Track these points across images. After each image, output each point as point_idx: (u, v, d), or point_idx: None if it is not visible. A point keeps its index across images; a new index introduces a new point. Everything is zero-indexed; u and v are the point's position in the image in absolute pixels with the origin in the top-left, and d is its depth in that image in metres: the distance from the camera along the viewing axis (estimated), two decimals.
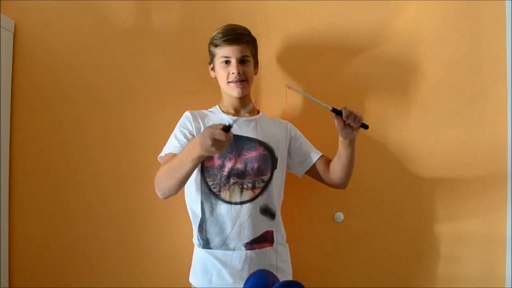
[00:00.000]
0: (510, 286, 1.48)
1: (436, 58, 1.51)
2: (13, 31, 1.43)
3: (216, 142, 0.93)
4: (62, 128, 1.45)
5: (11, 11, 1.43)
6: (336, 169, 1.25)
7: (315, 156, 1.31)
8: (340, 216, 1.49)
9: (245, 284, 1.06)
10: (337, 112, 1.08)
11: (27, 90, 1.45)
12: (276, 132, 1.29)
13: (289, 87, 1.08)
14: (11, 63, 1.43)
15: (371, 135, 1.49)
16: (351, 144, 1.17)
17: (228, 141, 0.94)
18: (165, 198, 1.16)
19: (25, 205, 1.44)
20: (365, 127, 1.13)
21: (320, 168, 1.30)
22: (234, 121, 0.95)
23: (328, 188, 1.40)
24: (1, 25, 1.36)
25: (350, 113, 1.08)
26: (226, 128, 0.93)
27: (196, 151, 0.99)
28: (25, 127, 1.44)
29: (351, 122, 1.08)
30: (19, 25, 1.44)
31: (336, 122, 1.11)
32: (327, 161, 1.30)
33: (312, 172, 1.32)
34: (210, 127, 0.95)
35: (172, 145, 1.21)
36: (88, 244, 1.45)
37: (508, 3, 1.51)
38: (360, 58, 1.51)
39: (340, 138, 1.16)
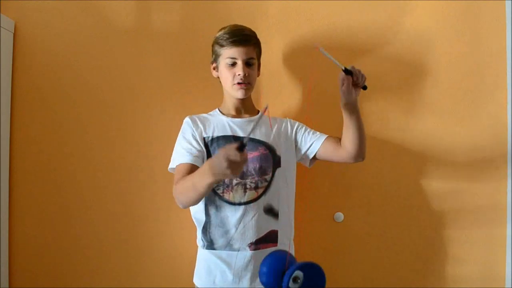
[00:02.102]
0: (510, 286, 1.48)
1: (436, 58, 1.51)
2: (13, 31, 1.43)
3: (231, 164, 0.88)
4: (62, 128, 1.45)
5: (11, 11, 1.43)
6: (348, 141, 1.21)
7: (321, 138, 1.28)
8: (340, 216, 1.49)
9: (261, 264, 1.03)
10: (348, 72, 1.10)
11: (27, 90, 1.45)
12: (278, 131, 1.29)
13: (317, 48, 1.08)
14: (11, 63, 1.43)
15: (371, 135, 1.49)
16: (355, 110, 1.16)
17: (244, 163, 0.90)
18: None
19: (25, 205, 1.44)
20: (365, 87, 1.15)
21: (331, 146, 1.26)
22: (246, 140, 0.90)
23: (328, 188, 1.41)
24: (1, 25, 1.36)
25: (359, 72, 1.11)
26: (240, 148, 0.89)
27: (209, 175, 0.96)
28: (25, 127, 1.44)
29: (359, 79, 1.10)
30: (19, 25, 1.44)
31: (342, 84, 1.11)
32: (336, 140, 1.26)
33: (324, 152, 1.27)
34: (223, 149, 0.91)
35: (180, 155, 1.21)
36: (88, 244, 1.45)
37: (508, 3, 1.51)
38: (360, 58, 1.51)
39: (344, 106, 1.15)
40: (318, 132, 1.31)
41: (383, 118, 1.51)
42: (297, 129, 1.32)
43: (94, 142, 1.46)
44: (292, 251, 1.29)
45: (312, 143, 1.28)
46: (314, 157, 1.30)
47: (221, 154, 0.90)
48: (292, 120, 1.34)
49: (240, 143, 0.89)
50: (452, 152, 1.51)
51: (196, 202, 1.14)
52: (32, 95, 1.45)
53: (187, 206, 1.18)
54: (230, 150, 0.88)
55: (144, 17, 1.48)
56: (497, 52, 1.52)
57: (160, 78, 1.47)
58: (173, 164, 1.24)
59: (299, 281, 0.96)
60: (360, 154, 1.23)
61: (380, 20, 1.51)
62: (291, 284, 0.95)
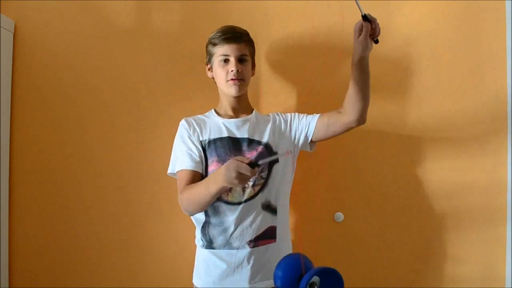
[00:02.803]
0: (510, 286, 1.48)
1: (436, 58, 1.51)
2: (13, 31, 1.43)
3: (240, 175, 0.96)
4: (62, 128, 1.45)
5: (11, 11, 1.43)
6: (353, 103, 1.18)
7: (316, 115, 1.27)
8: (340, 216, 1.49)
9: (276, 268, 0.99)
10: (367, 19, 1.08)
11: (27, 90, 1.45)
12: (272, 127, 1.28)
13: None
14: (11, 63, 1.43)
15: (372, 134, 1.49)
16: (367, 64, 1.15)
17: (252, 177, 0.97)
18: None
19: (25, 205, 1.44)
20: (377, 41, 1.13)
21: (330, 117, 1.24)
22: (262, 162, 0.97)
23: (328, 188, 1.40)
24: (1, 25, 1.36)
25: (376, 20, 1.09)
26: (252, 164, 0.95)
27: (218, 182, 1.04)
28: (25, 127, 1.45)
29: (377, 29, 1.09)
30: (19, 25, 1.44)
31: (359, 34, 1.09)
32: (333, 111, 1.25)
33: (324, 127, 1.25)
34: (236, 159, 0.98)
35: (181, 160, 1.22)
36: (88, 244, 1.45)
37: (508, 3, 1.51)
38: None
39: (357, 61, 1.13)
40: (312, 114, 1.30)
41: (382, 118, 1.50)
42: (291, 120, 1.31)
43: (94, 142, 1.46)
44: (290, 248, 1.30)
45: (309, 122, 1.28)
46: (314, 140, 1.28)
47: (232, 165, 0.97)
48: (284, 114, 1.33)
49: (254, 162, 0.95)
50: (453, 153, 1.51)
51: (203, 208, 1.18)
52: (32, 95, 1.45)
53: (193, 214, 1.21)
54: (242, 164, 0.95)
55: (144, 17, 1.48)
56: (497, 52, 1.52)
57: (160, 78, 1.47)
58: (172, 169, 1.25)
59: (316, 287, 0.93)
60: (363, 115, 1.21)
61: (380, 20, 1.48)
62: None
